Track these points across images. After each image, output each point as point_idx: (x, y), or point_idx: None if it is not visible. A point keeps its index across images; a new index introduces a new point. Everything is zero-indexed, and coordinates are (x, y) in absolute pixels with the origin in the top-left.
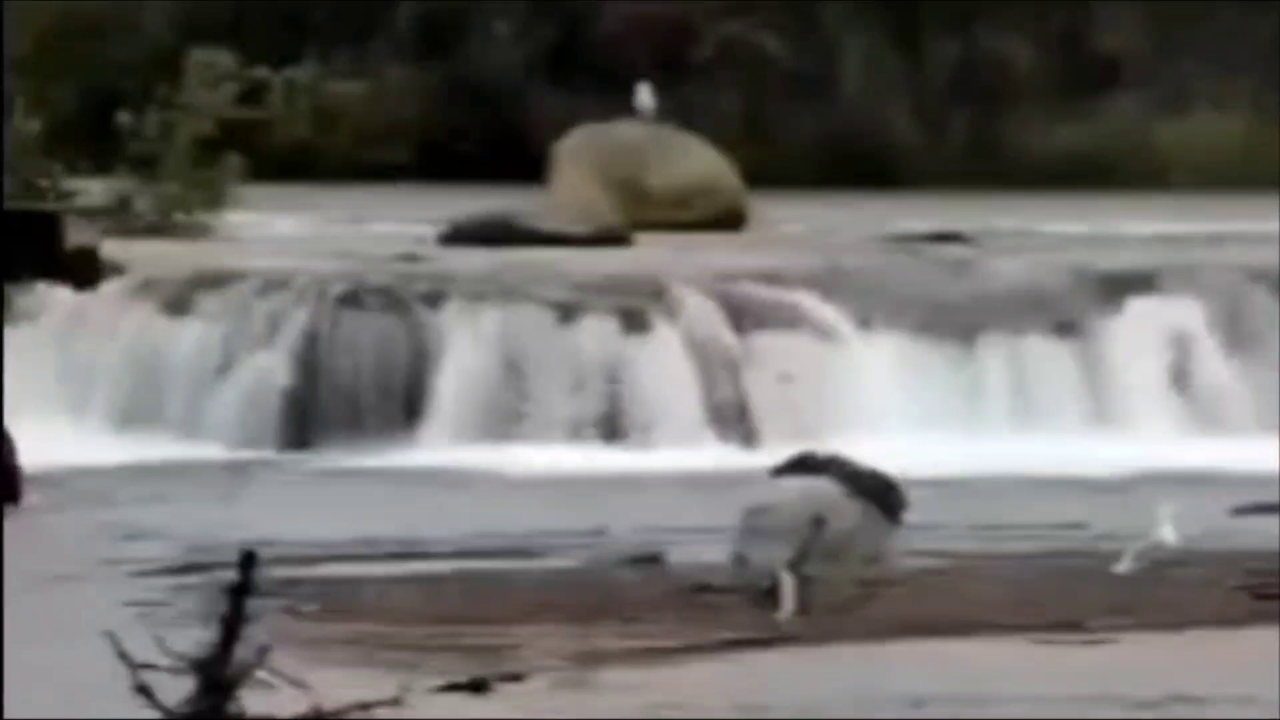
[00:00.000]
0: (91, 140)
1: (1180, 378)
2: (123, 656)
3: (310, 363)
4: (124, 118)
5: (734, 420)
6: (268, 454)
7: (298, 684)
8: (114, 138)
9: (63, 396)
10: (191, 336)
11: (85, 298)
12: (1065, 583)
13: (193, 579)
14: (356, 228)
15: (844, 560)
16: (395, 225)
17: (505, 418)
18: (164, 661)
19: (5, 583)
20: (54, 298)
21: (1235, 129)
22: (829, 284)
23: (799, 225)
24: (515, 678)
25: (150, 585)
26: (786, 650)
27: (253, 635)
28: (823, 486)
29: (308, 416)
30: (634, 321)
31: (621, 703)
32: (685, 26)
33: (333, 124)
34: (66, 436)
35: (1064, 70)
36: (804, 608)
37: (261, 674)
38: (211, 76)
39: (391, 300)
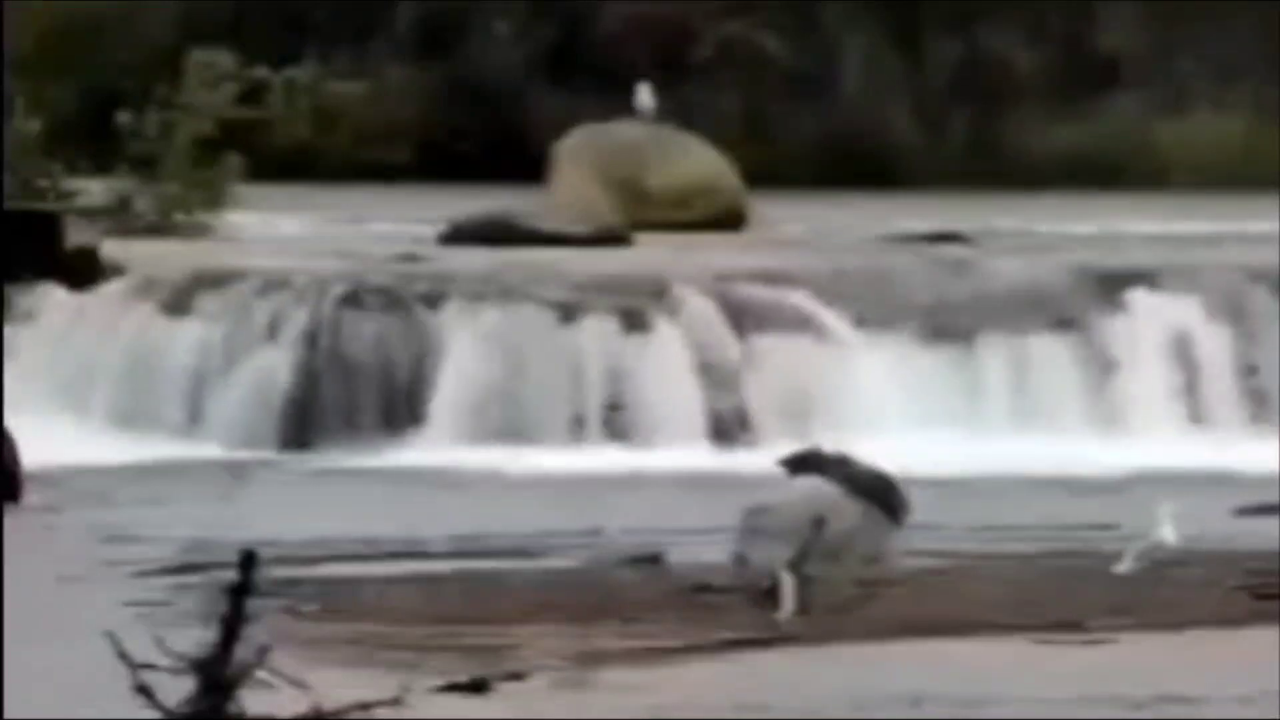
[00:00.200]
0: (91, 140)
1: (1180, 378)
2: (123, 656)
3: (310, 363)
4: (124, 118)
5: (734, 420)
6: (268, 454)
7: (298, 684)
8: (114, 138)
9: (63, 396)
10: (191, 336)
11: (85, 298)
12: (1065, 583)
13: (193, 579)
14: (356, 228)
15: (844, 560)
16: (395, 225)
17: (505, 418)
18: (164, 661)
19: (5, 583)
20: (54, 298)
21: (1235, 129)
22: (829, 284)
23: (799, 225)
24: (515, 678)
25: (150, 585)
26: (786, 650)
27: (253, 635)
28: (823, 486)
29: (308, 416)
30: (634, 321)
31: (621, 703)
32: (685, 27)
33: (333, 124)
34: (66, 436)
35: (1064, 70)
36: (804, 608)
37: (261, 674)
38: (211, 76)
39: (391, 300)
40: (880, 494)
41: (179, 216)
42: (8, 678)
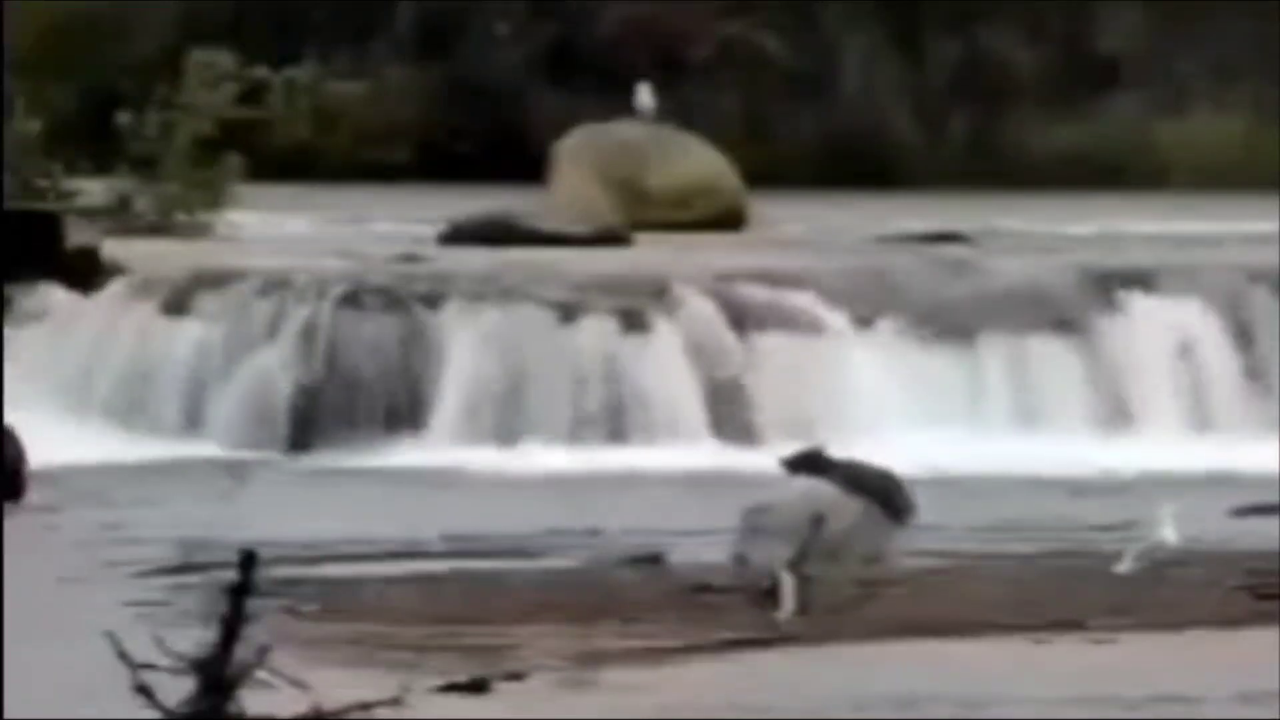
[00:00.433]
0: (91, 140)
1: (1180, 378)
2: (123, 656)
3: (310, 363)
4: (124, 118)
5: (734, 420)
6: (268, 454)
7: (298, 684)
8: (114, 138)
9: (63, 396)
10: (191, 336)
11: (85, 298)
12: (1065, 583)
13: (193, 579)
14: (356, 228)
15: (844, 560)
16: (395, 225)
17: (505, 418)
18: (164, 661)
19: (5, 582)
20: (54, 298)
21: (1235, 129)
22: (829, 284)
23: (799, 225)
24: (515, 677)
25: (150, 585)
26: (786, 650)
27: (253, 635)
28: (823, 486)
29: (308, 416)
30: (634, 321)
31: (621, 703)
32: (685, 27)
33: (333, 124)
34: (66, 436)
35: (1064, 70)
36: (804, 608)
37: (261, 674)
38: (211, 76)
39: (391, 300)
40: (884, 494)
41: (179, 216)
42: (8, 678)
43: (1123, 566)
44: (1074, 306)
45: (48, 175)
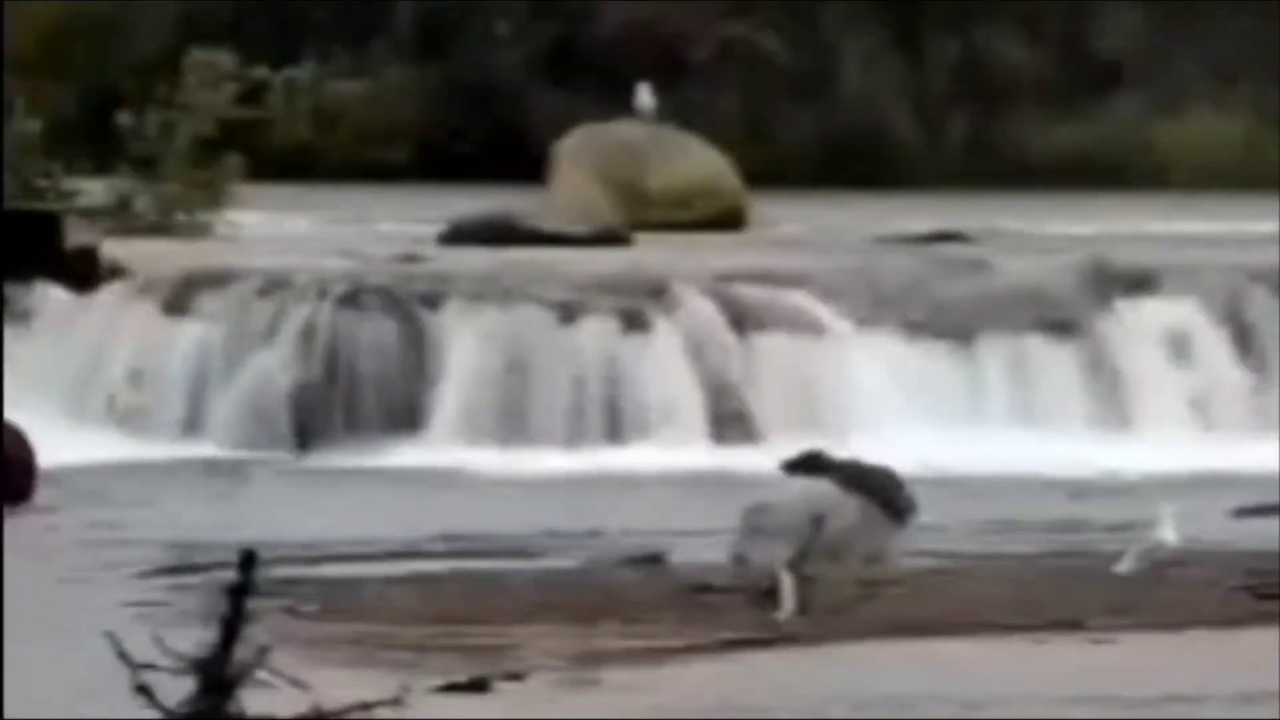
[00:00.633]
0: (91, 140)
1: (1180, 378)
2: (123, 656)
3: (310, 363)
4: (124, 118)
5: (734, 420)
6: (268, 454)
7: (298, 684)
8: (114, 138)
9: (63, 396)
10: (191, 336)
11: (85, 298)
12: (1065, 583)
13: (193, 579)
14: (356, 228)
15: (844, 560)
16: (395, 225)
17: (505, 418)
18: (164, 661)
19: (5, 583)
20: (54, 298)
21: (1235, 129)
22: (829, 284)
23: (799, 225)
24: (515, 678)
25: (150, 585)
26: (786, 650)
27: (253, 635)
28: (823, 486)
29: (308, 416)
30: (634, 321)
31: (621, 703)
32: (685, 27)
33: (333, 124)
34: (66, 436)
35: (1064, 70)
36: (804, 608)
37: (261, 674)
38: (211, 76)
39: (392, 300)
40: (884, 493)
41: (179, 216)
42: (8, 678)
43: (1123, 566)
44: (1074, 306)
45: (48, 175)
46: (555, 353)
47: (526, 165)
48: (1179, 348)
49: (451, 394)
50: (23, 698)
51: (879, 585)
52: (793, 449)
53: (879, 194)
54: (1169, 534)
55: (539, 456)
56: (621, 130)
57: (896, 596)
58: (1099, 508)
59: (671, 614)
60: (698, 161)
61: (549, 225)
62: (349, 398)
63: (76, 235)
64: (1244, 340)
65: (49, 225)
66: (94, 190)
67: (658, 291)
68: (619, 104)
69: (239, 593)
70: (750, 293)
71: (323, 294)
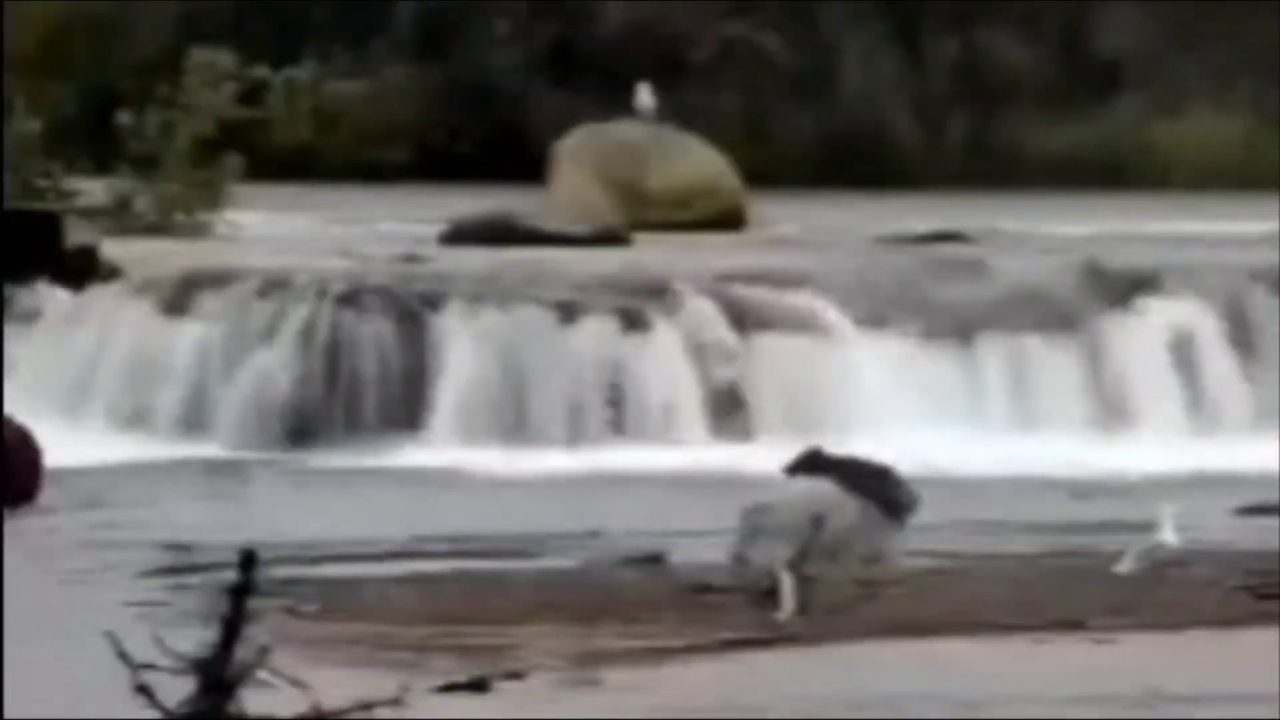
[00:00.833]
0: (91, 140)
1: (1180, 378)
2: (123, 656)
3: (310, 363)
4: (124, 118)
5: (734, 420)
6: (268, 454)
7: (298, 684)
8: (114, 138)
9: (63, 396)
10: (191, 336)
11: (85, 298)
12: (1065, 583)
13: (193, 579)
14: (356, 228)
15: (843, 560)
16: (395, 225)
17: (505, 417)
18: (164, 661)
19: (5, 583)
20: (54, 298)
21: (1235, 130)
22: (829, 284)
23: (799, 225)
24: (515, 677)
25: (150, 585)
26: (786, 650)
27: (253, 635)
28: (823, 486)
29: (308, 416)
30: (634, 321)
31: (621, 703)
32: (685, 27)
33: (333, 124)
34: (66, 436)
35: (1064, 70)
36: (804, 608)
37: (261, 674)
38: (211, 76)
39: (392, 300)
40: (882, 491)
41: (179, 216)
42: (8, 678)
43: (1123, 566)
44: (1074, 306)
45: (48, 175)
46: (555, 353)
47: (526, 165)
48: (1179, 348)
49: (451, 394)
50: (23, 698)
51: (879, 585)
52: (792, 449)
53: (879, 194)
54: (1169, 534)
55: (539, 456)
56: (621, 130)
57: (896, 596)
58: (1099, 508)
59: (671, 614)
60: (698, 161)
61: (549, 225)
62: (349, 398)
63: (76, 235)
64: (1244, 340)
65: (49, 225)
66: (94, 190)
67: (658, 291)
68: (619, 104)
69: (239, 593)
70: (750, 293)
71: (323, 294)
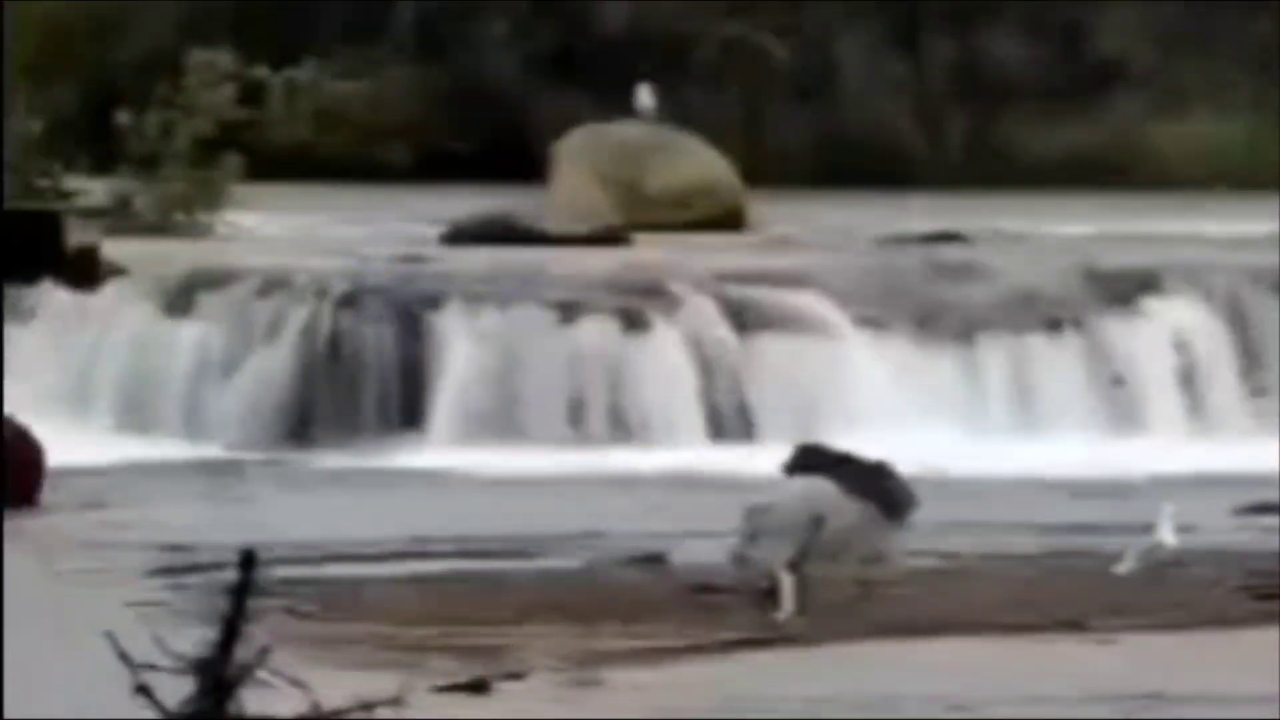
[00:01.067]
0: (91, 140)
1: (1180, 378)
2: (123, 656)
3: (310, 363)
4: (124, 118)
5: (734, 420)
6: (268, 454)
7: (298, 684)
8: (114, 138)
9: (63, 396)
10: (191, 336)
11: (85, 298)
12: (1065, 583)
13: (193, 579)
14: (356, 228)
15: (844, 560)
16: (395, 225)
17: (505, 418)
18: (164, 661)
19: (5, 583)
20: (54, 298)
21: (1235, 130)
22: (829, 284)
23: (799, 225)
24: (515, 677)
25: (150, 585)
26: (786, 650)
27: (253, 635)
28: (822, 486)
29: (308, 417)
30: (634, 321)
31: (622, 703)
32: (685, 27)
33: (333, 124)
34: (66, 436)
35: (1064, 70)
36: (804, 608)
37: (261, 674)
38: (211, 76)
39: (392, 300)
40: (881, 490)
41: (179, 216)
42: (8, 678)
43: (1123, 566)
44: (1074, 306)
45: (48, 175)
46: (555, 353)
47: (526, 165)
48: (1179, 348)
49: (451, 394)
50: (23, 698)
51: (879, 585)
52: (792, 449)
53: (879, 194)
54: (1169, 534)
55: (539, 456)
56: (621, 130)
57: (896, 596)
58: (1099, 508)
59: (672, 614)
60: (698, 161)
61: (549, 225)
62: (349, 398)
63: (76, 235)
64: (1244, 340)
65: (50, 225)
66: (94, 190)
67: (658, 291)
68: (619, 104)
69: (239, 593)
70: (750, 293)
71: (323, 294)
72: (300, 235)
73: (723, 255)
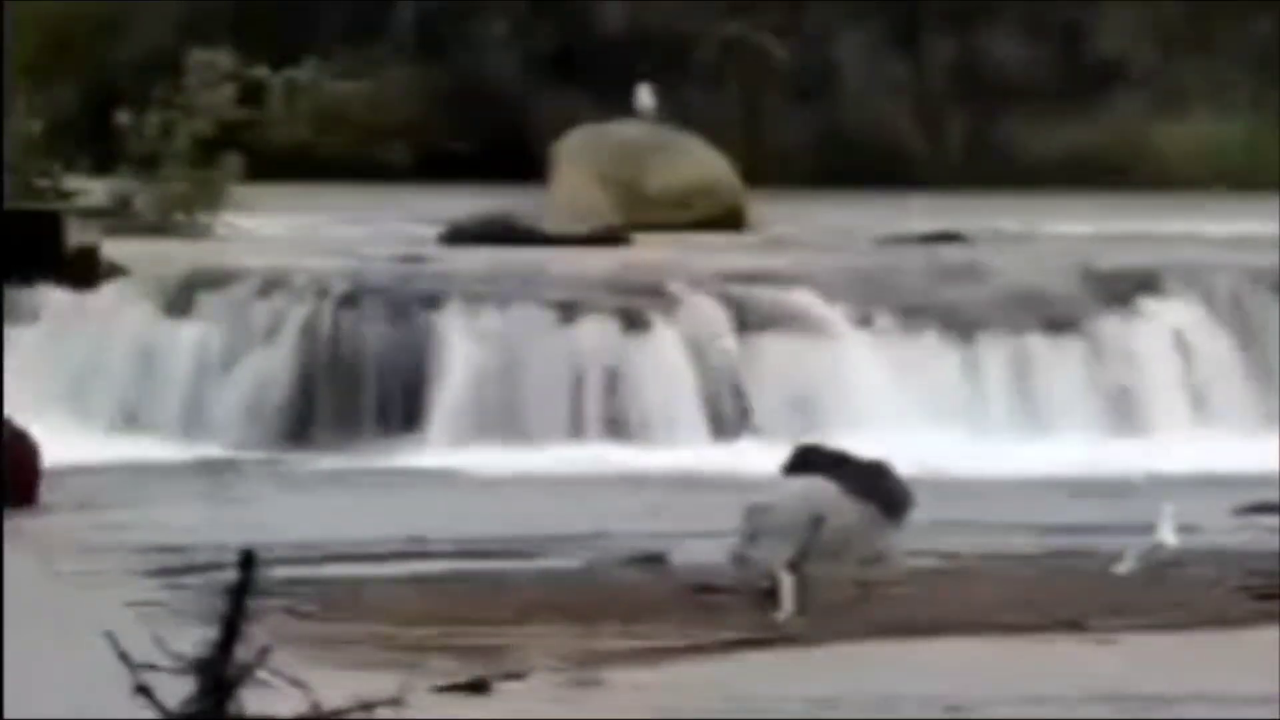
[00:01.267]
0: (91, 140)
1: (1181, 377)
2: (123, 656)
3: (310, 363)
4: (124, 118)
5: (734, 419)
6: (267, 454)
7: (298, 684)
8: (114, 138)
9: (63, 396)
10: (191, 336)
11: (85, 298)
12: (1065, 583)
13: (193, 579)
14: (356, 228)
15: (844, 559)
16: (395, 225)
17: (505, 417)
18: (164, 661)
19: (5, 583)
20: (54, 298)
21: (1235, 130)
22: (829, 284)
23: (799, 225)
24: (515, 677)
25: (150, 585)
26: (786, 650)
27: (253, 635)
28: (822, 486)
29: (307, 417)
30: (634, 321)
31: (622, 703)
32: (685, 27)
33: (333, 124)
34: (66, 436)
35: (1064, 70)
36: (804, 608)
37: (261, 674)
38: (211, 76)
39: (391, 300)
40: (881, 490)
41: (179, 216)
42: (8, 678)
43: (1123, 566)
44: (1074, 306)
45: (48, 175)
46: (555, 353)
47: (526, 165)
48: (1179, 348)
49: (451, 394)
50: (23, 698)
51: (879, 585)
52: (792, 449)
53: (879, 194)
54: (1169, 534)
55: (539, 456)
56: (621, 130)
57: (896, 596)
58: (1099, 508)
59: (672, 614)
60: (698, 161)
61: (549, 225)
62: (349, 398)
63: (76, 235)
64: (1245, 340)
65: (50, 225)
66: (94, 190)
67: (657, 291)
68: (619, 104)
69: (239, 593)
70: (750, 292)
71: (323, 294)
72: (300, 235)
73: (723, 255)
